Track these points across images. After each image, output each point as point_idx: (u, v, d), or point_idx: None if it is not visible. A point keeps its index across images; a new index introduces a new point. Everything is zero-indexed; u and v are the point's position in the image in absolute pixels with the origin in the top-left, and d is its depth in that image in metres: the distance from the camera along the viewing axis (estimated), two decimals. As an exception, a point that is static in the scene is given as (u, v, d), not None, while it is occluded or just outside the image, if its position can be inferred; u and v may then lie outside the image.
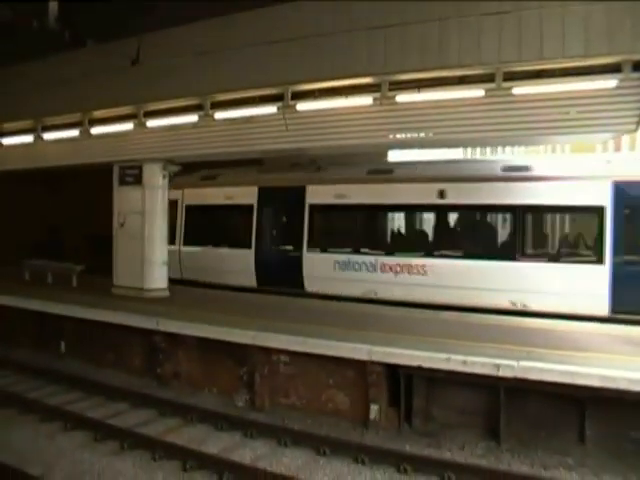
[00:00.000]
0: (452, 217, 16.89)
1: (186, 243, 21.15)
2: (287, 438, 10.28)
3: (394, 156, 20.54)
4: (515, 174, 15.46)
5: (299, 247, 18.30)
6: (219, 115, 15.25)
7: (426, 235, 17.11)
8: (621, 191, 14.18)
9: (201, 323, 13.18)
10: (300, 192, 18.40)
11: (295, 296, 17.34)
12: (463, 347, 10.65)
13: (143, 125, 16.74)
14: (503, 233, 16.13)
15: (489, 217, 16.54)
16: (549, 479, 8.74)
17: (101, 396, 12.76)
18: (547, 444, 9.74)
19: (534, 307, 14.67)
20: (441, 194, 16.14)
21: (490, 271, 15.32)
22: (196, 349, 13.38)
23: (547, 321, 13.31)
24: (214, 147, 15.89)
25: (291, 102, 14.02)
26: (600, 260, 14.19)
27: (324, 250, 17.95)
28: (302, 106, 13.96)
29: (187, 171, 19.51)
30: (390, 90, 12.88)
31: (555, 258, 15.10)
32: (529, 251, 15.56)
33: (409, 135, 13.22)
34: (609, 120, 11.40)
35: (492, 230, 16.42)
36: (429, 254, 16.34)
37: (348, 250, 17.52)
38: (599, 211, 14.27)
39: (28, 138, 19.74)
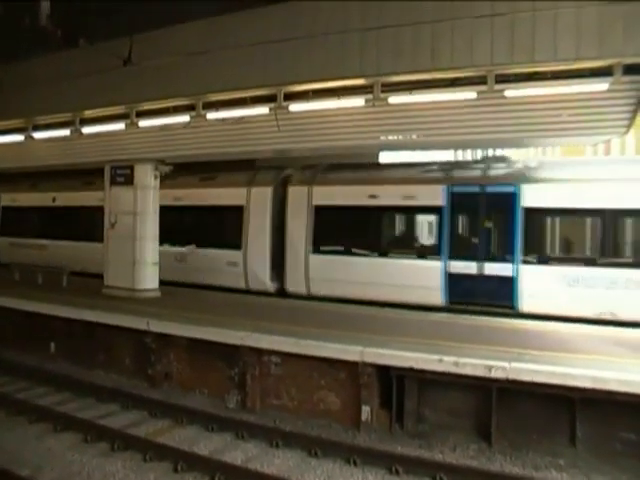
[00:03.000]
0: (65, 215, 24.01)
1: None
2: (279, 439, 10.24)
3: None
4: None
5: None
6: (211, 115, 15.19)
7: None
8: None
9: (192, 324, 13.17)
10: None
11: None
12: (455, 348, 10.69)
13: (135, 125, 16.67)
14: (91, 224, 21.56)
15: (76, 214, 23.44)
16: (540, 480, 8.75)
17: (91, 397, 12.69)
18: (538, 445, 9.77)
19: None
20: (53, 199, 24.45)
21: (86, 249, 21.76)
22: (187, 350, 13.34)
23: (538, 323, 13.41)
24: (206, 147, 15.95)
25: (284, 103, 13.95)
26: None
27: None
28: (294, 107, 13.90)
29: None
30: (382, 92, 12.84)
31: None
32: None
33: (401, 137, 13.26)
34: (601, 123, 11.47)
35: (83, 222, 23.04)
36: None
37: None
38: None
39: (18, 137, 19.61)
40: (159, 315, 14.08)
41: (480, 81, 12.00)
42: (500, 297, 15.17)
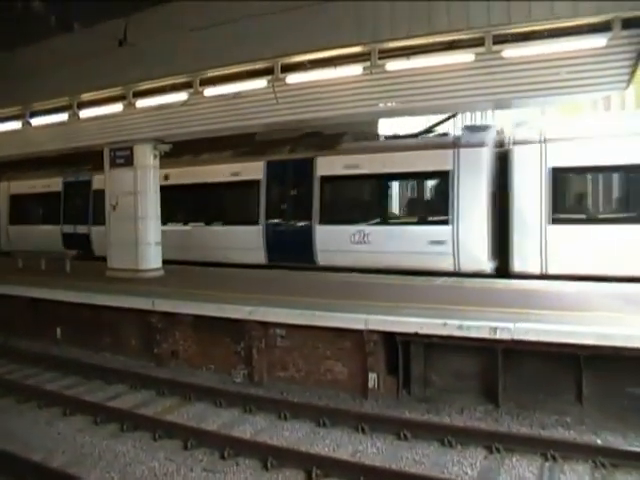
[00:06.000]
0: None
1: None
2: (286, 411, 10.26)
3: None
4: None
5: None
6: (208, 92, 15.13)
7: None
8: None
9: (197, 301, 13.16)
10: None
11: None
12: (458, 312, 10.70)
13: (132, 106, 16.63)
14: None
15: None
16: (547, 439, 8.71)
17: (99, 379, 12.70)
18: (545, 404, 9.76)
19: None
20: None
21: None
22: (193, 327, 13.32)
23: (541, 282, 13.59)
24: (204, 124, 15.84)
25: (281, 75, 13.89)
26: None
27: None
28: (292, 78, 13.82)
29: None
30: (380, 58, 12.76)
31: None
32: None
33: (400, 103, 13.15)
34: (600, 79, 11.33)
35: None
36: None
37: None
38: None
39: (16, 124, 19.60)
40: (163, 294, 14.08)
41: (478, 43, 11.91)
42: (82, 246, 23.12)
